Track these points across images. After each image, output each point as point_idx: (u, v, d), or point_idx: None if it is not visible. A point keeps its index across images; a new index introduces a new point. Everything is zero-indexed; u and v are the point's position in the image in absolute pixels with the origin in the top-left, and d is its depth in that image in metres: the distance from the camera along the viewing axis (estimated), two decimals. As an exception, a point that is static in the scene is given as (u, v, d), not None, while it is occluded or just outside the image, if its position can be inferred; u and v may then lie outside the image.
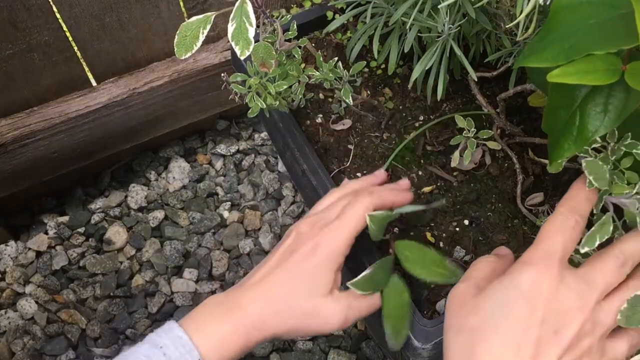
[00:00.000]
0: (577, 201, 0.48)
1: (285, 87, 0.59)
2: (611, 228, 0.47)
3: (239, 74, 0.59)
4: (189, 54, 0.50)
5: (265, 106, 0.59)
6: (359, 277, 0.57)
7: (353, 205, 0.57)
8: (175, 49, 0.50)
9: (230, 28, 0.47)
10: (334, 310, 0.55)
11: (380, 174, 0.66)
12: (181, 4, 0.95)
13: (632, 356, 0.48)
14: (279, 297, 0.55)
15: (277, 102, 0.60)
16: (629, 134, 0.49)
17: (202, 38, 0.50)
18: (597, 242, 0.46)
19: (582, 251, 0.47)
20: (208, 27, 0.50)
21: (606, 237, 0.46)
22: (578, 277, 0.45)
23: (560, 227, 0.46)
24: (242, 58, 0.47)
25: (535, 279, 0.44)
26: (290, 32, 0.61)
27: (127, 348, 0.53)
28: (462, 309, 0.48)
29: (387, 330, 0.57)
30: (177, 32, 0.50)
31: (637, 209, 0.46)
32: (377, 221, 0.57)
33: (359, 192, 0.60)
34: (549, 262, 0.45)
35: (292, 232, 0.58)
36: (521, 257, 0.47)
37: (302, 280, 0.55)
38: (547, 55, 0.45)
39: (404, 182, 0.65)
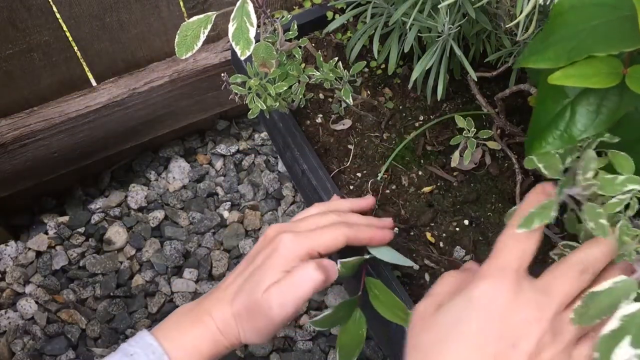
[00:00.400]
0: (532, 205, 0.47)
1: (285, 88, 0.59)
2: (552, 214, 0.46)
3: (239, 75, 0.59)
4: (189, 54, 0.50)
5: (265, 107, 0.59)
6: (320, 316, 0.59)
7: (329, 229, 0.57)
8: (176, 49, 0.51)
9: (231, 28, 0.47)
10: (268, 298, 0.54)
11: (369, 200, 0.65)
12: (181, 4, 0.95)
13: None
14: (237, 299, 0.56)
15: (277, 104, 0.61)
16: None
17: (202, 38, 0.50)
18: (535, 225, 0.46)
19: (518, 231, 0.45)
20: (209, 27, 0.50)
21: (546, 222, 0.46)
22: (536, 288, 0.44)
23: (515, 239, 0.45)
24: (242, 58, 0.47)
25: (490, 292, 0.43)
26: (290, 32, 0.61)
27: (101, 358, 0.53)
28: (421, 326, 0.47)
29: (337, 357, 0.60)
30: (178, 31, 0.50)
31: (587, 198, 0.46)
32: (348, 267, 0.58)
33: (339, 218, 0.59)
34: (504, 274, 0.43)
35: (261, 237, 0.60)
36: (478, 271, 0.46)
37: (257, 279, 0.55)
38: (549, 55, 0.45)
39: (388, 221, 0.63)
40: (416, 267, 0.64)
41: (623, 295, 0.42)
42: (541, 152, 0.48)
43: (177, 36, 0.50)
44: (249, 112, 0.59)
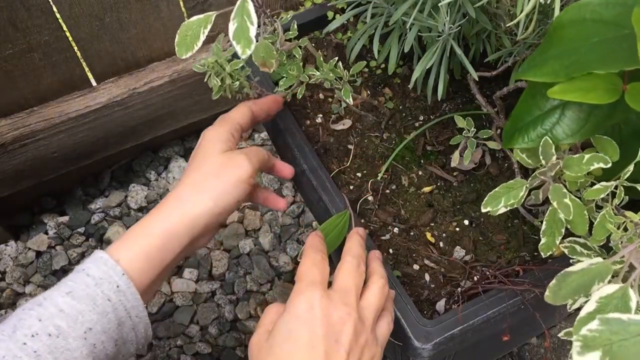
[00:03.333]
0: (316, 240, 0.56)
1: (240, 65, 0.61)
2: (522, 194, 0.47)
3: (204, 58, 0.60)
4: (189, 54, 0.50)
5: (220, 84, 0.60)
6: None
7: (237, 107, 0.65)
8: (176, 49, 0.51)
9: (231, 27, 0.47)
10: (224, 158, 0.60)
11: (272, 98, 0.69)
12: (181, 3, 0.95)
13: None
14: (191, 175, 0.60)
15: (238, 83, 0.62)
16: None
17: (203, 38, 0.50)
18: (501, 205, 0.47)
19: (484, 210, 0.48)
20: (209, 26, 0.50)
21: (512, 202, 0.47)
22: (338, 290, 0.52)
23: (313, 261, 0.53)
24: (243, 57, 0.47)
25: (309, 303, 0.50)
26: (290, 32, 0.61)
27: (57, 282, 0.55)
28: (259, 355, 0.50)
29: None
30: (178, 31, 0.50)
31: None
32: (331, 227, 0.62)
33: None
34: (314, 288, 0.51)
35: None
36: (290, 296, 0.52)
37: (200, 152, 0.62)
38: (547, 70, 0.45)
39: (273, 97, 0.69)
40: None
41: (597, 277, 0.41)
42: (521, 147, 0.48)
43: (177, 36, 0.50)
44: (213, 94, 0.62)
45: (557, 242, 0.49)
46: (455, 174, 0.70)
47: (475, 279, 0.62)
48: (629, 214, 0.45)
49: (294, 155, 0.69)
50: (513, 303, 0.58)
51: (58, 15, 0.87)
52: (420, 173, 0.71)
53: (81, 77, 0.98)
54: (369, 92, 0.77)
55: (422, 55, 0.66)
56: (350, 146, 0.73)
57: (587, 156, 0.47)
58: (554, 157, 0.47)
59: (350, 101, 0.63)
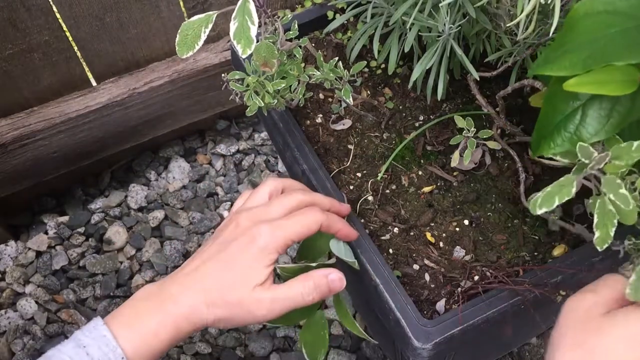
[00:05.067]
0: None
1: (283, 85, 0.59)
2: (573, 190, 0.46)
3: (237, 72, 0.59)
4: (190, 53, 0.50)
5: (263, 105, 0.59)
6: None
7: (305, 213, 0.58)
8: (177, 48, 0.51)
9: (232, 27, 0.47)
10: (259, 302, 0.55)
11: (346, 207, 0.65)
12: (181, 3, 0.95)
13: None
14: (211, 287, 0.55)
15: (275, 101, 0.60)
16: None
17: (203, 37, 0.50)
18: (556, 203, 0.46)
19: (539, 212, 0.47)
20: (210, 26, 0.50)
21: (566, 198, 0.46)
22: None
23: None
24: (244, 56, 0.47)
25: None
26: (291, 32, 0.61)
27: (54, 347, 0.53)
28: (586, 325, 0.46)
29: (304, 353, 0.62)
30: (179, 31, 0.50)
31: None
32: (289, 272, 0.59)
33: (308, 198, 0.60)
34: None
35: (231, 223, 0.59)
36: None
37: (235, 271, 0.55)
38: (564, 64, 0.45)
39: (345, 207, 0.64)
40: (357, 267, 0.63)
41: None
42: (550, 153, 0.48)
43: (178, 35, 0.50)
44: (247, 110, 0.59)
45: (611, 234, 0.48)
46: (455, 174, 0.70)
47: (475, 279, 0.62)
48: None
49: (294, 155, 0.69)
50: (513, 303, 0.58)
51: (58, 15, 0.87)
52: (420, 173, 0.71)
53: (81, 77, 0.98)
54: (369, 92, 0.77)
55: (422, 55, 0.66)
56: (350, 146, 0.73)
57: (635, 143, 0.46)
58: (596, 153, 0.47)
59: (350, 101, 0.63)
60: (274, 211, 0.58)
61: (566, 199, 0.46)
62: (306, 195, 0.61)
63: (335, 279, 0.57)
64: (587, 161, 0.47)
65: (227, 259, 0.56)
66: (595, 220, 0.48)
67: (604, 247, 0.48)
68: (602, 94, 0.45)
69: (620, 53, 0.42)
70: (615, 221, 0.48)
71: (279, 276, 0.61)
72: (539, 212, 0.46)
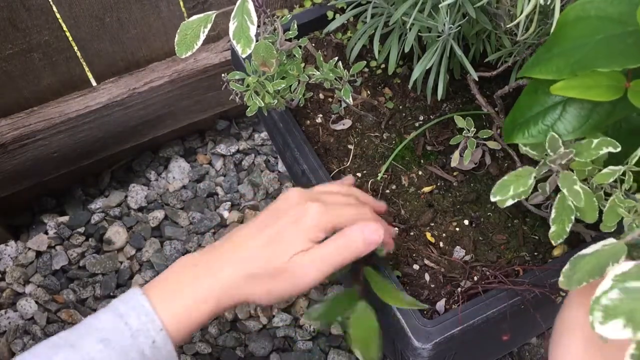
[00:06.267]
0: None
1: (283, 85, 0.59)
2: (531, 183, 0.47)
3: (237, 72, 0.59)
4: (189, 53, 0.50)
5: (263, 104, 0.59)
6: (313, 308, 0.58)
7: (356, 210, 0.57)
8: (176, 48, 0.51)
9: (232, 26, 0.47)
10: (298, 268, 0.54)
11: (384, 206, 0.65)
12: (181, 3, 0.95)
13: None
14: (255, 262, 0.54)
15: (276, 101, 0.60)
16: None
17: (202, 37, 0.50)
18: (510, 193, 0.47)
19: (493, 200, 0.48)
20: (209, 26, 0.50)
21: (521, 190, 0.47)
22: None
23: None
24: (243, 56, 0.47)
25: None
26: (290, 32, 0.61)
27: (92, 313, 0.51)
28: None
29: (356, 354, 0.57)
30: (178, 31, 0.50)
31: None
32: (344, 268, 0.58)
33: (361, 205, 0.59)
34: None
35: (281, 197, 0.58)
36: None
37: (280, 245, 0.54)
38: (552, 67, 0.45)
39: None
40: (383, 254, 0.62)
41: (612, 258, 0.40)
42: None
43: (177, 35, 0.50)
44: (248, 110, 0.59)
45: (567, 230, 0.48)
46: (455, 174, 0.70)
47: (475, 279, 0.62)
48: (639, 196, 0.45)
49: (294, 155, 0.69)
50: (513, 303, 0.58)
51: (58, 15, 0.87)
52: (420, 173, 0.71)
53: (81, 77, 0.98)
54: (369, 92, 0.77)
55: (422, 55, 0.66)
56: (350, 146, 0.73)
57: (595, 141, 0.47)
58: (562, 148, 0.47)
59: (350, 101, 0.63)
60: (329, 199, 0.58)
61: (521, 189, 0.47)
62: (357, 201, 0.61)
63: (371, 231, 0.55)
64: (552, 154, 0.47)
65: (273, 232, 0.55)
66: (553, 214, 0.49)
67: (559, 241, 0.49)
68: (586, 96, 0.46)
69: (604, 60, 0.43)
70: (573, 217, 0.48)
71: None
72: (493, 199, 0.48)
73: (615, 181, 0.48)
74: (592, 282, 0.41)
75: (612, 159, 0.48)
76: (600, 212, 0.49)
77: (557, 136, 0.47)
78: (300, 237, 0.54)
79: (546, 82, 0.46)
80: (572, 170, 0.48)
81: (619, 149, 0.46)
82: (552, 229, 0.49)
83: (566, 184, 0.47)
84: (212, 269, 0.54)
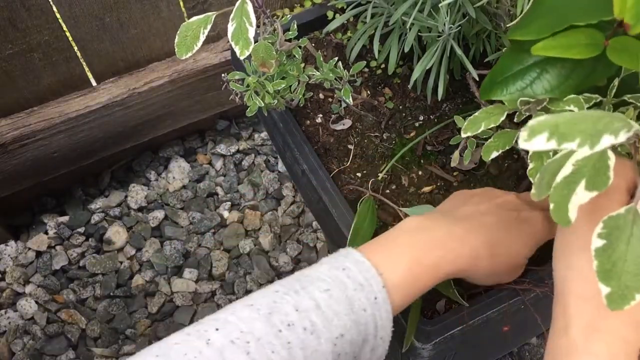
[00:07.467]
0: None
1: (282, 85, 0.59)
2: (502, 119, 0.47)
3: (237, 72, 0.59)
4: (189, 54, 0.50)
5: (263, 104, 0.59)
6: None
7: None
8: (176, 49, 0.51)
9: (231, 28, 0.47)
10: (516, 270, 0.57)
11: None
12: (181, 3, 0.95)
13: None
14: (498, 241, 0.53)
15: (276, 101, 0.60)
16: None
17: (202, 38, 0.50)
18: (481, 128, 0.48)
19: (464, 136, 0.48)
20: (209, 27, 0.50)
21: (493, 125, 0.47)
22: None
23: None
24: (241, 58, 0.47)
25: None
26: (290, 32, 0.61)
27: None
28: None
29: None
30: (178, 32, 0.50)
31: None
32: None
33: None
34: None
35: (492, 199, 0.57)
36: None
37: (520, 238, 0.54)
38: (533, 28, 0.46)
39: None
40: None
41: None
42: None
43: (177, 36, 0.50)
44: (248, 110, 0.59)
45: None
46: (455, 174, 0.70)
47: (475, 279, 0.62)
48: None
49: (294, 155, 0.69)
50: (513, 303, 0.58)
51: (58, 15, 0.87)
52: (420, 173, 0.71)
53: (81, 77, 0.98)
54: (369, 92, 0.77)
55: (422, 55, 0.66)
56: (350, 146, 0.73)
57: (571, 97, 0.47)
58: (532, 100, 0.48)
59: (350, 101, 0.63)
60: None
61: (492, 125, 0.47)
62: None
63: None
64: (522, 107, 0.48)
65: (511, 222, 0.54)
66: (531, 166, 0.49)
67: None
68: (567, 56, 0.46)
69: (579, 14, 0.43)
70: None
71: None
72: (464, 135, 0.48)
73: None
74: (594, 200, 0.38)
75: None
76: None
77: (527, 99, 0.48)
78: (528, 242, 0.56)
79: (528, 43, 0.45)
80: None
81: (584, 110, 0.46)
82: (531, 165, 0.50)
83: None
84: (441, 238, 0.52)
